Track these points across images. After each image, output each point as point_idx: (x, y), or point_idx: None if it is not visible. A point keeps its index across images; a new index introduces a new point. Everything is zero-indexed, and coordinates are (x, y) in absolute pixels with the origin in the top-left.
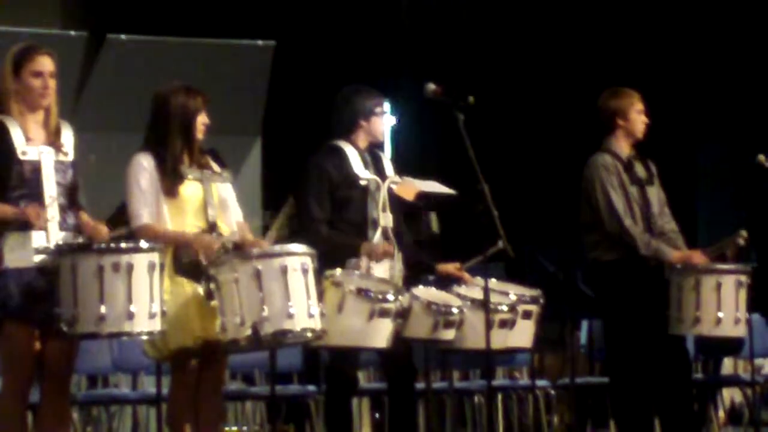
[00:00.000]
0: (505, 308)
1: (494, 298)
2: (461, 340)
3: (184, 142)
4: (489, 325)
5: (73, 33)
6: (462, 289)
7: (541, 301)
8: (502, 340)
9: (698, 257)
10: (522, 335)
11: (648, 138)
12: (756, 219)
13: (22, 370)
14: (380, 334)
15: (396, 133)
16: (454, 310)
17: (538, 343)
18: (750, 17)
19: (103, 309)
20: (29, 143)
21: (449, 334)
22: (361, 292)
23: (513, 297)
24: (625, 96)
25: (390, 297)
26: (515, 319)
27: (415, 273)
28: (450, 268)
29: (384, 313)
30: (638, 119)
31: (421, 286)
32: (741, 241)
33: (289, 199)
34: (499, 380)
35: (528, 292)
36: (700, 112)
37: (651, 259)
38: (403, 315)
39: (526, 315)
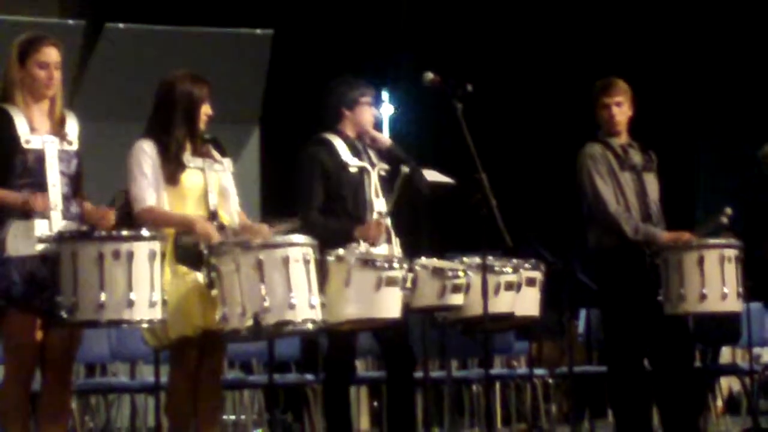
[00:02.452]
0: (509, 270)
1: (497, 263)
2: (469, 308)
3: (187, 130)
4: (486, 294)
5: (71, 22)
6: (465, 259)
7: (543, 268)
8: (509, 303)
9: (687, 236)
10: (528, 303)
11: (647, 131)
12: (753, 208)
13: (24, 358)
14: (391, 304)
15: (394, 121)
16: (461, 273)
17: (536, 331)
18: (750, 10)
19: (102, 296)
20: (33, 132)
21: (458, 299)
22: (366, 262)
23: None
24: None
25: (395, 265)
26: (521, 283)
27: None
28: None
29: (392, 282)
30: (602, 114)
31: (423, 257)
32: (724, 219)
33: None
34: (497, 369)
35: (528, 262)
36: (700, 106)
37: (642, 244)
38: (409, 287)
39: (530, 282)
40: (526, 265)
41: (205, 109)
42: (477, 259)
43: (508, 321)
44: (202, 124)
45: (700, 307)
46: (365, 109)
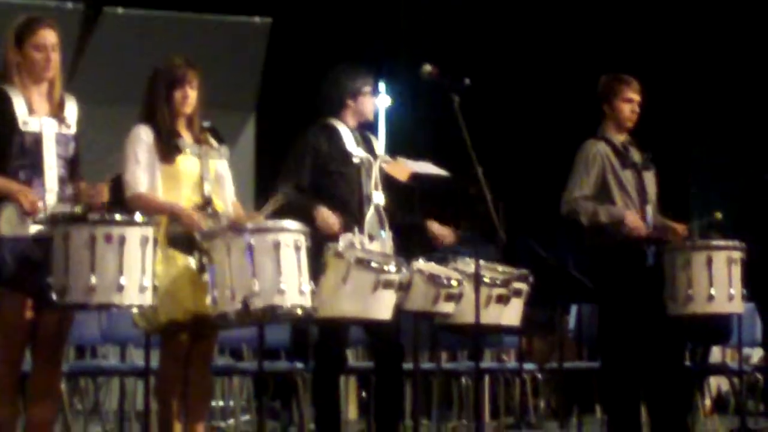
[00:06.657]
0: (499, 282)
1: (489, 273)
2: (460, 315)
3: (169, 110)
4: (478, 303)
5: (69, 5)
6: (459, 264)
7: (530, 279)
8: (497, 315)
9: (682, 228)
10: (513, 313)
11: (642, 131)
12: (750, 207)
13: (14, 339)
14: (384, 306)
15: (391, 113)
16: (455, 283)
17: (527, 326)
18: (747, 15)
19: (93, 279)
20: (32, 114)
21: (449, 307)
22: (365, 263)
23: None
24: (615, 82)
25: (393, 268)
26: (509, 296)
27: (406, 249)
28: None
29: (388, 285)
30: (624, 108)
31: (421, 260)
32: (719, 215)
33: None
34: (487, 362)
35: (515, 271)
36: (694, 107)
37: (611, 227)
38: (404, 288)
39: (516, 293)
40: (515, 275)
41: (184, 92)
42: (471, 265)
43: (492, 328)
44: (186, 108)
45: (708, 308)
46: (368, 99)
